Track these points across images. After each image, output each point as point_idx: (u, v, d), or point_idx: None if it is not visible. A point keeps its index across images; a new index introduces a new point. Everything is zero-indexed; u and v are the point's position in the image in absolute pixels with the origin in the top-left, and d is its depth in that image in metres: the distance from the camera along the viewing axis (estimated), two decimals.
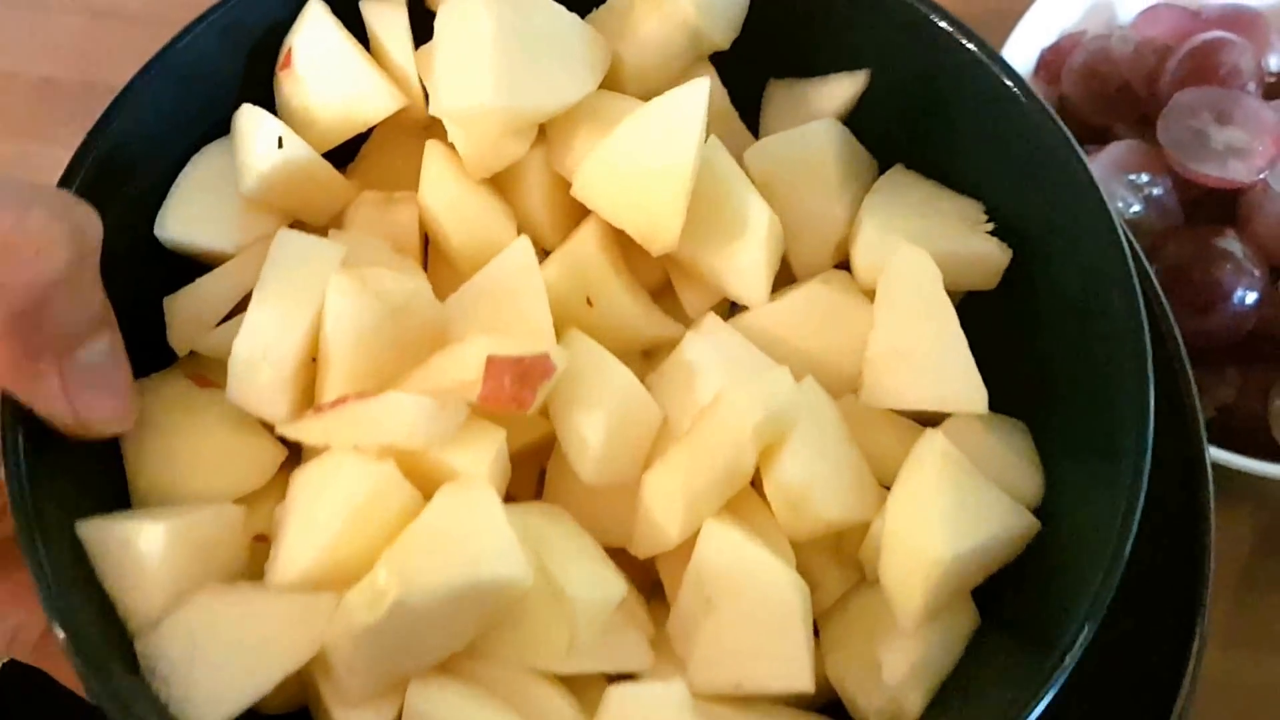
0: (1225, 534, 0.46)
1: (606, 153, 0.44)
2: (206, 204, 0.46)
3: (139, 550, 0.38)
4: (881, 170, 0.49)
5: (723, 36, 0.48)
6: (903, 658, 0.41)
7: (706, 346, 0.44)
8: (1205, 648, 0.45)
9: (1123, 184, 0.59)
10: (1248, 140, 0.58)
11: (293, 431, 0.40)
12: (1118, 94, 0.63)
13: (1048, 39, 0.66)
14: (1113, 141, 0.62)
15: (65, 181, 0.43)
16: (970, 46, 0.44)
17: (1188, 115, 0.59)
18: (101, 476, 0.42)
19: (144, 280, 0.45)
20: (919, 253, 0.43)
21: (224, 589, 0.39)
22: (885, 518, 0.42)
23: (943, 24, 0.45)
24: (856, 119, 0.49)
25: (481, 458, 0.40)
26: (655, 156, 0.42)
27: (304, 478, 0.41)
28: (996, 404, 0.43)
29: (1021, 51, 0.65)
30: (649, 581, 0.45)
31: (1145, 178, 0.59)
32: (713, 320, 0.45)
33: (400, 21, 0.47)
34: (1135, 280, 0.40)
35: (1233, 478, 0.55)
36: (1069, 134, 0.42)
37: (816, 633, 0.43)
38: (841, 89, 0.49)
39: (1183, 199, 0.60)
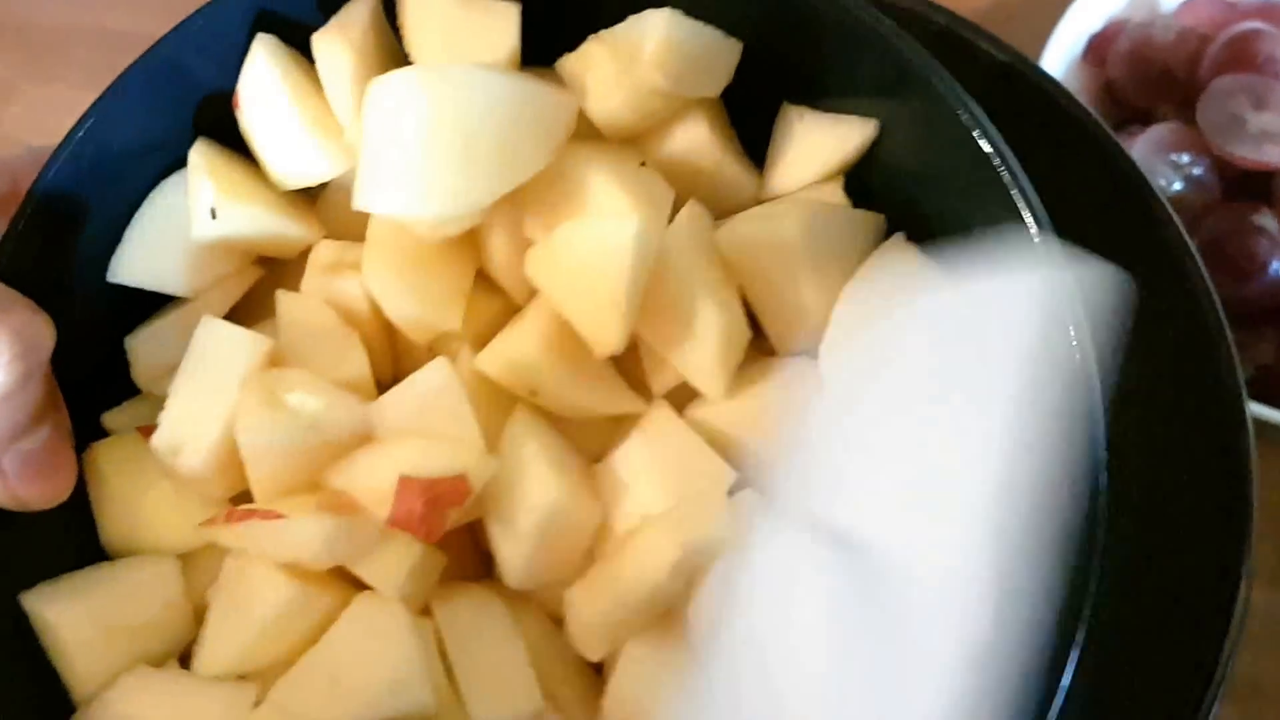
0: (1266, 483, 0.47)
1: (551, 248, 0.41)
2: (162, 246, 0.45)
3: (62, 637, 0.40)
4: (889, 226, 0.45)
5: (709, 88, 0.44)
6: None
7: (647, 451, 0.42)
8: (1251, 591, 0.46)
9: (1165, 163, 0.63)
10: None
11: (207, 534, 0.41)
12: (1160, 78, 0.67)
13: (1095, 25, 0.70)
14: (1156, 123, 0.66)
15: (17, 220, 0.43)
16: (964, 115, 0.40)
17: (1225, 100, 0.63)
18: (67, 532, 0.44)
19: (108, 315, 0.46)
20: None
21: (150, 674, 0.41)
22: None
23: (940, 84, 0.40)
24: (867, 168, 0.45)
25: (393, 574, 0.40)
26: (593, 276, 0.40)
27: (228, 569, 0.41)
28: None
29: (1070, 36, 0.69)
30: None
31: (1186, 158, 0.63)
32: (661, 415, 0.43)
33: (346, 67, 0.43)
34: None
35: (1272, 432, 0.59)
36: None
37: None
38: (852, 134, 0.44)
39: (1221, 178, 0.64)
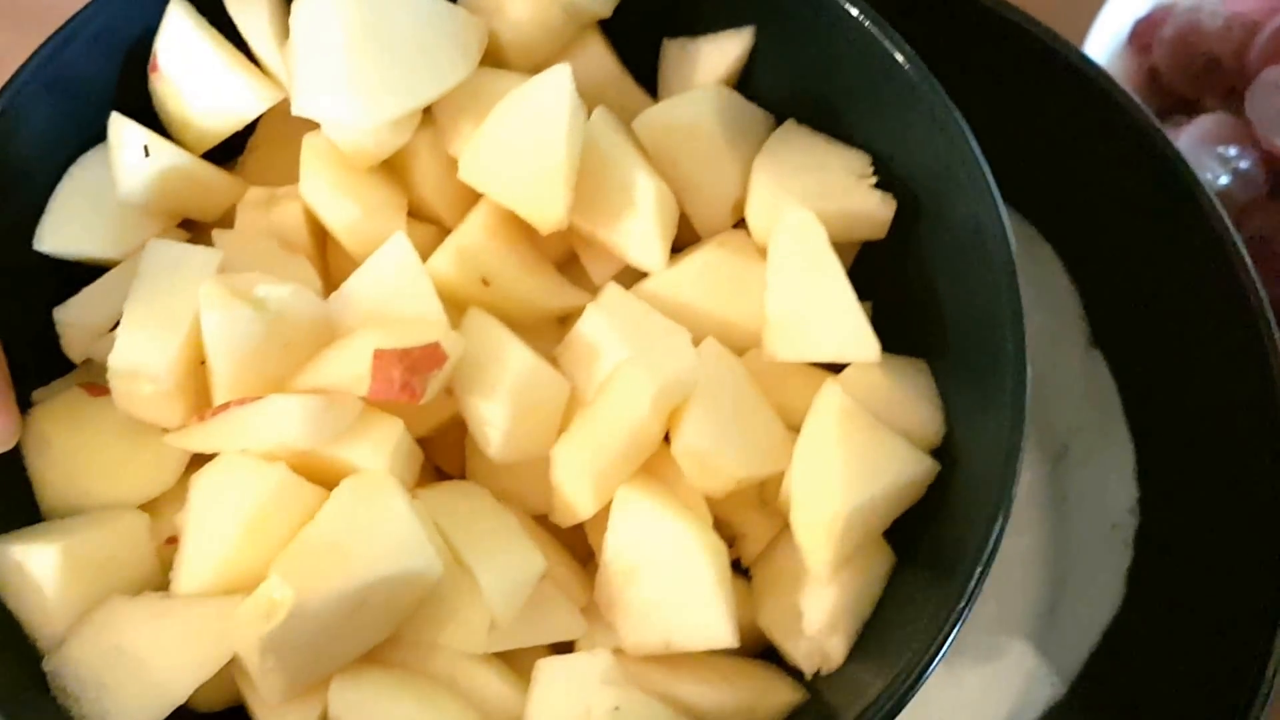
0: None
1: (484, 139, 0.43)
2: (86, 213, 0.45)
3: (33, 573, 0.38)
4: (777, 123, 0.49)
5: (602, 6, 0.48)
6: (823, 606, 0.42)
7: (606, 317, 0.43)
8: None
9: (1211, 156, 0.60)
10: None
11: (179, 440, 0.40)
12: (1207, 67, 0.63)
13: (1140, 10, 0.66)
14: (1201, 114, 0.62)
15: None
16: (848, 7, 0.43)
17: (1275, 91, 0.59)
18: (6, 492, 0.42)
19: (37, 292, 0.45)
20: (805, 214, 0.43)
21: (128, 602, 0.39)
22: (791, 474, 0.42)
23: None
24: (750, 75, 0.49)
25: (379, 450, 0.39)
26: (529, 144, 0.42)
27: (201, 483, 0.40)
28: (897, 345, 0.44)
29: (1115, 21, 0.65)
30: (584, 547, 0.45)
31: (1233, 151, 0.60)
32: (613, 290, 0.45)
33: (263, 16, 0.45)
34: (1007, 227, 0.40)
35: None
36: (947, 99, 0.42)
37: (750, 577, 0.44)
38: (731, 46, 0.48)
39: (1269, 173, 0.60)
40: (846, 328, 0.42)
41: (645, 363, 0.41)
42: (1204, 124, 0.61)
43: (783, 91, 0.48)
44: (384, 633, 0.40)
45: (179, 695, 0.38)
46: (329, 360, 0.40)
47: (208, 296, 0.39)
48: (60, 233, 0.45)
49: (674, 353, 0.41)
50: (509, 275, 0.44)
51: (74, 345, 0.45)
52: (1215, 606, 0.50)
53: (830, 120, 0.47)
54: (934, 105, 0.42)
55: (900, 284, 0.45)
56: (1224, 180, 0.60)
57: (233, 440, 0.39)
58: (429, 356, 0.39)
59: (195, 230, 0.48)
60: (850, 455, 0.40)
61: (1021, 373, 0.39)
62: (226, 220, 0.47)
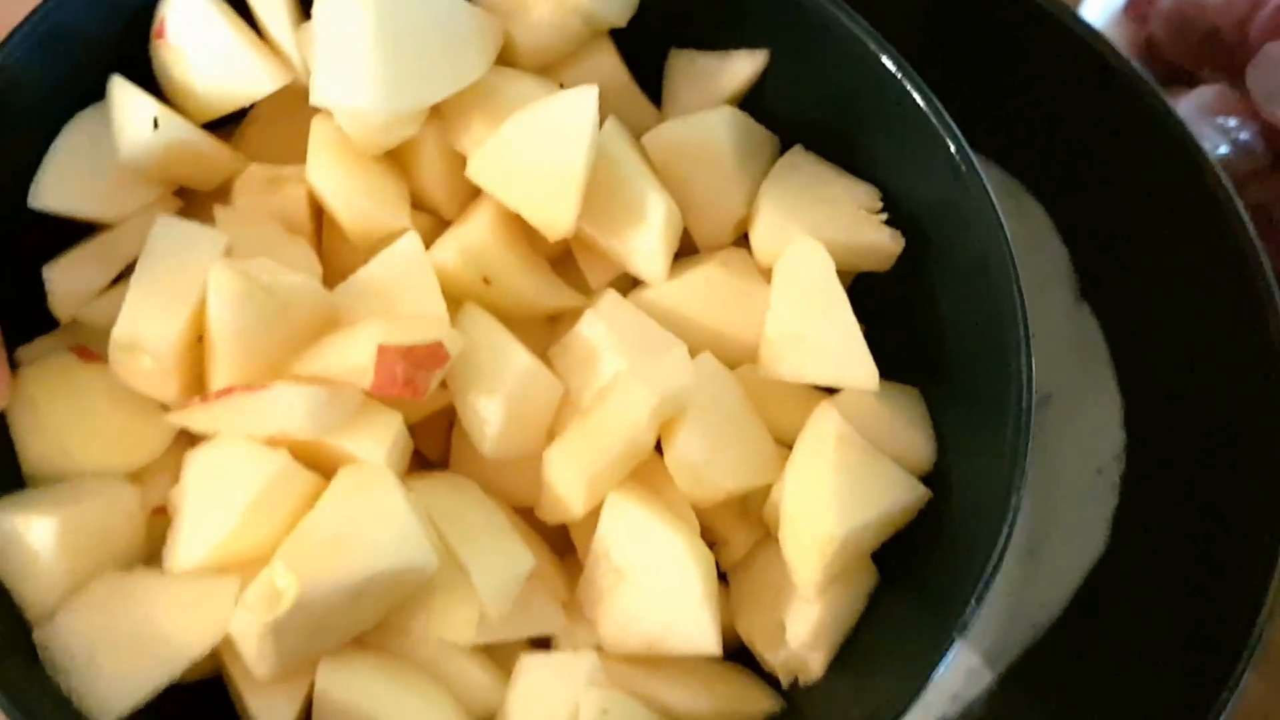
0: None
1: (499, 144, 0.43)
2: (83, 172, 0.44)
3: (28, 544, 0.38)
4: (784, 147, 0.49)
5: (618, 16, 0.48)
6: (806, 621, 0.43)
7: (605, 324, 0.44)
8: None
9: (1211, 126, 0.60)
10: None
11: (180, 419, 0.40)
12: (1206, 39, 0.63)
13: None
14: (1199, 85, 0.62)
15: None
16: (864, 39, 0.44)
17: (1277, 65, 0.59)
18: None
19: (27, 248, 0.44)
20: (813, 244, 0.44)
21: (121, 577, 0.39)
22: (783, 494, 0.44)
23: (837, 13, 0.45)
24: (758, 96, 0.50)
25: (379, 443, 0.40)
26: (546, 157, 0.43)
27: (199, 461, 0.40)
28: (892, 372, 0.45)
29: None
30: (563, 541, 0.46)
31: (1233, 122, 0.60)
32: (612, 297, 0.46)
33: None
34: (1013, 267, 0.42)
35: None
36: (955, 130, 0.43)
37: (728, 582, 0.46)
38: (742, 67, 0.49)
39: (1269, 145, 0.60)
40: (847, 354, 0.44)
41: (645, 376, 0.42)
42: (1203, 94, 0.61)
43: (791, 115, 0.49)
44: (374, 620, 0.41)
45: (171, 671, 0.38)
46: (332, 350, 0.41)
47: (217, 279, 0.39)
48: (56, 190, 0.44)
49: (673, 366, 0.42)
50: (510, 275, 0.45)
51: (61, 305, 0.44)
52: (1203, 549, 0.51)
53: (840, 149, 0.48)
54: (950, 147, 0.43)
55: (899, 310, 0.47)
56: (1223, 150, 0.59)
57: (235, 424, 0.39)
58: (432, 355, 0.40)
59: (189, 199, 0.47)
60: (845, 480, 0.42)
61: (1025, 410, 0.41)
62: (223, 191, 0.47)
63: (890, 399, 0.46)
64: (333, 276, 0.44)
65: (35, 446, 0.42)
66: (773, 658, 0.44)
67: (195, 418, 0.40)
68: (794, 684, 0.44)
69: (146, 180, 0.45)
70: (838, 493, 0.41)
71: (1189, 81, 0.63)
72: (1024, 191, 0.58)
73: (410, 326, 0.41)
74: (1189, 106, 0.60)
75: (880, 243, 0.46)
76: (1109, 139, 0.54)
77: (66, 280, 0.44)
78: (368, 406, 0.40)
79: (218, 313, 0.39)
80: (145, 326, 0.40)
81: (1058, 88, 0.54)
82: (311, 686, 0.40)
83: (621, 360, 0.43)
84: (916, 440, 0.45)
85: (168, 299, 0.40)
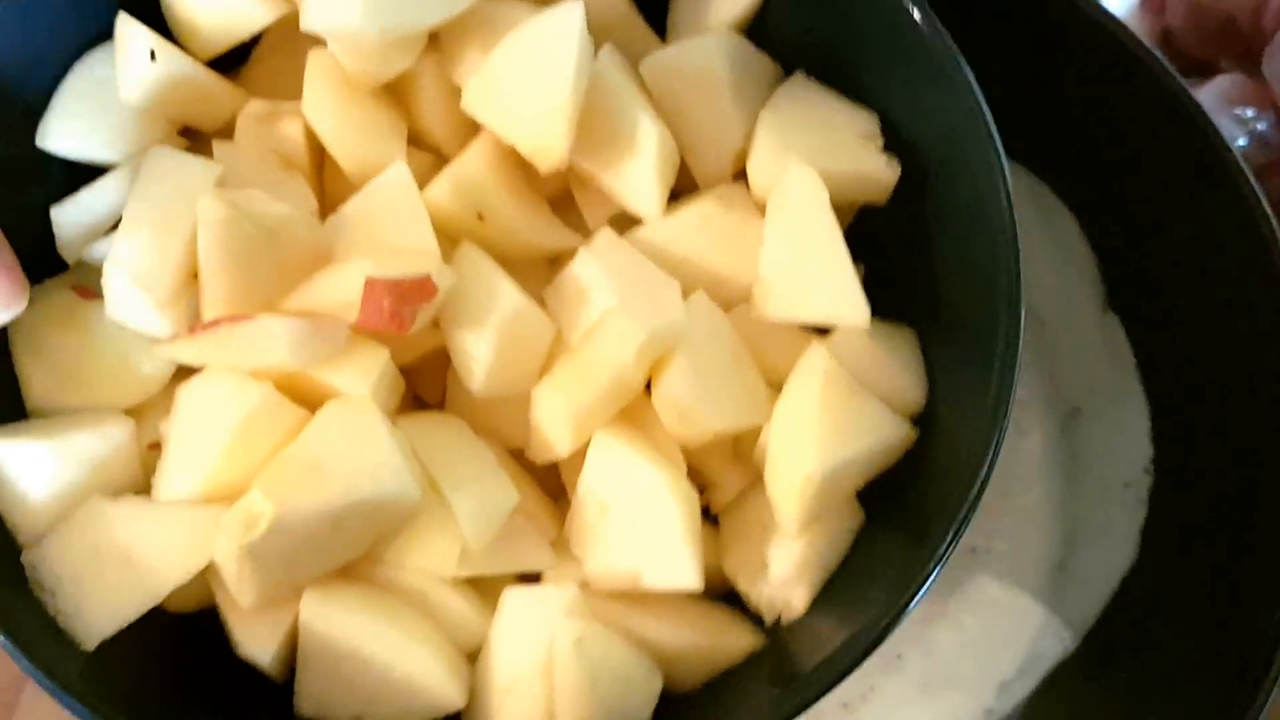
0: None
1: (490, 70, 0.43)
2: (90, 113, 0.45)
3: (22, 469, 0.39)
4: (786, 73, 0.48)
5: None
6: (789, 558, 0.43)
7: (598, 262, 0.44)
8: None
9: (1228, 117, 0.59)
10: None
11: (169, 352, 0.40)
12: (1223, 28, 0.63)
13: None
14: (1217, 75, 0.62)
15: None
16: None
17: None
18: None
19: (35, 189, 0.45)
20: (808, 172, 0.43)
21: (110, 503, 0.40)
22: (769, 431, 0.43)
23: None
24: (761, 23, 0.48)
25: (364, 377, 0.40)
26: (535, 79, 0.42)
27: (188, 393, 0.41)
28: (886, 310, 0.44)
29: None
30: (556, 484, 0.46)
31: (1250, 112, 0.59)
32: (606, 235, 0.45)
33: None
34: (1009, 202, 0.40)
35: None
36: (960, 57, 0.42)
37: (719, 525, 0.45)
38: None
39: None
40: (838, 290, 0.42)
41: (634, 312, 0.41)
42: (1220, 84, 0.60)
43: (793, 41, 0.48)
44: (359, 550, 0.41)
45: (154, 596, 0.39)
46: (321, 284, 0.41)
47: (205, 210, 0.40)
48: (64, 131, 0.45)
49: (663, 304, 0.42)
50: (504, 211, 0.45)
51: (68, 247, 0.45)
52: (1230, 563, 0.50)
53: (840, 75, 0.47)
54: (947, 65, 0.42)
55: (897, 248, 0.46)
56: (1241, 142, 0.59)
57: (221, 356, 0.40)
58: (420, 288, 0.40)
59: (195, 139, 0.47)
60: (829, 417, 0.41)
61: (1013, 342, 0.40)
62: (227, 130, 0.47)
63: (883, 339, 0.45)
64: (330, 213, 0.44)
65: (37, 381, 0.43)
66: (756, 595, 0.44)
67: (184, 350, 0.40)
68: (776, 622, 0.44)
69: (150, 119, 0.46)
70: (821, 430, 0.41)
71: (1206, 72, 0.63)
72: (1051, 195, 0.57)
73: (399, 260, 0.41)
74: (1208, 96, 0.60)
75: (877, 171, 0.45)
76: (1135, 136, 0.53)
77: (74, 221, 0.45)
78: (355, 342, 0.41)
79: (206, 243, 0.40)
80: (137, 257, 0.41)
81: (1084, 84, 0.53)
82: (296, 617, 0.40)
83: (613, 298, 0.42)
84: (907, 381, 0.44)
85: (160, 230, 0.41)
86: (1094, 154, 0.54)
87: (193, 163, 0.42)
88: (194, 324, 0.40)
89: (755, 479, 0.45)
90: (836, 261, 0.43)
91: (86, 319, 0.43)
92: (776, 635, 0.43)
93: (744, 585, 0.44)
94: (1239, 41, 0.62)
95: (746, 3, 0.48)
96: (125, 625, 0.39)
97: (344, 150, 0.44)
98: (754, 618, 0.44)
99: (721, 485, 0.45)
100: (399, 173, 0.42)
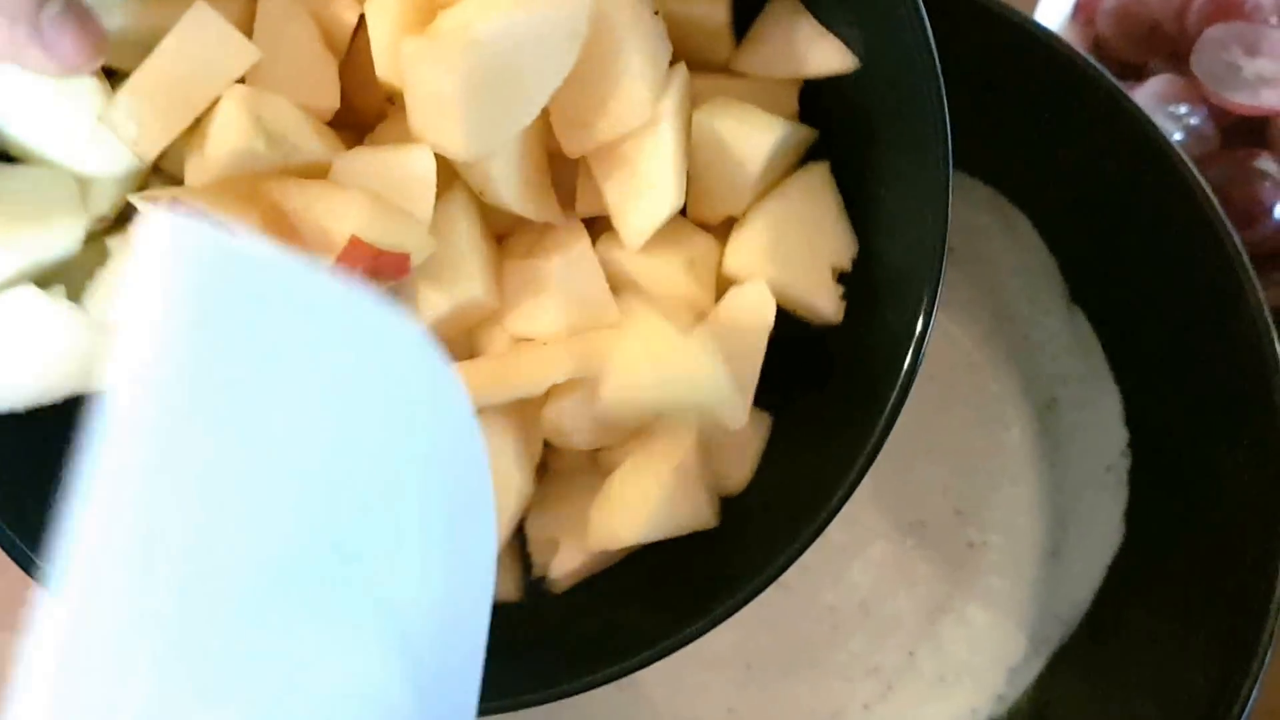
0: None
1: None
2: None
3: None
4: None
5: None
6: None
7: (559, 274, 0.46)
8: None
9: (1164, 115, 0.65)
10: (1276, 70, 0.64)
11: (140, 199, 0.42)
12: (1150, 32, 0.68)
13: None
14: (1150, 77, 0.67)
15: None
16: None
17: (1219, 49, 0.64)
18: None
19: None
20: (767, 297, 0.47)
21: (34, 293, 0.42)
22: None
23: None
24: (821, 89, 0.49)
25: None
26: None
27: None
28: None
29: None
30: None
31: (1184, 108, 0.64)
32: (578, 243, 0.47)
33: None
34: (930, 37, 0.43)
35: None
36: None
37: None
38: (831, 58, 0.48)
39: (1218, 127, 0.65)
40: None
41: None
42: (1154, 85, 0.65)
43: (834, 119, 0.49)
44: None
45: None
46: (309, 194, 0.41)
47: (225, 114, 0.40)
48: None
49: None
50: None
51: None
52: (1216, 538, 0.53)
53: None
54: None
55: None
56: (1178, 137, 0.63)
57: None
58: (395, 265, 0.41)
59: None
60: None
61: (945, 156, 0.42)
62: None
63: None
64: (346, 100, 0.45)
65: None
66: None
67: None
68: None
69: None
70: None
71: (1138, 75, 0.68)
72: (1008, 203, 0.61)
73: (391, 224, 0.41)
74: (1143, 97, 0.65)
75: (825, 307, 0.48)
76: (1081, 141, 0.56)
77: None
78: None
79: (215, 144, 0.41)
80: (149, 109, 0.41)
81: (1030, 97, 0.56)
82: None
83: (551, 313, 0.46)
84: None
85: (180, 92, 0.41)
86: (1045, 160, 0.58)
87: (235, 40, 0.42)
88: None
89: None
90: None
91: None
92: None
93: None
94: (1166, 44, 0.67)
95: (827, 69, 0.48)
96: None
97: (383, 59, 0.43)
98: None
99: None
100: (422, 154, 0.42)
